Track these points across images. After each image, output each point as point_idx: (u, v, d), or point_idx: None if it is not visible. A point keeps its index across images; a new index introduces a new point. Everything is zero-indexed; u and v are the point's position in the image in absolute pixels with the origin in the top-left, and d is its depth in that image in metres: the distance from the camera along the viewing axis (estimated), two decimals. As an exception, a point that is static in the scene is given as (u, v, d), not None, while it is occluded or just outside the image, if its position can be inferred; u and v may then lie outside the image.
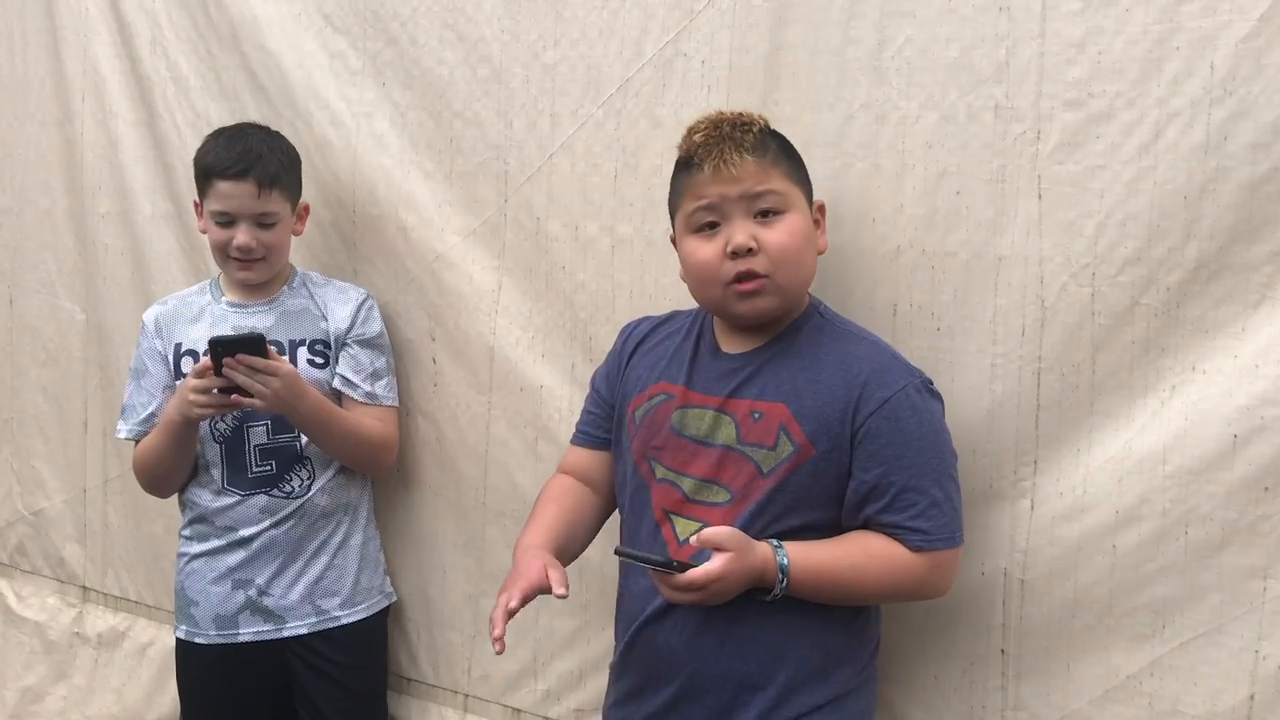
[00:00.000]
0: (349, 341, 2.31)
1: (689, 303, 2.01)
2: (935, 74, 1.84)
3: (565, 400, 2.23)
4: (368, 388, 2.31)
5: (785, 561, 1.68)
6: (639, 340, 1.93)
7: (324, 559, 2.33)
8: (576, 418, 2.16)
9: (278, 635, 2.32)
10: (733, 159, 1.70)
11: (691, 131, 1.78)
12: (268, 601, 2.31)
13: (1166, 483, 1.71)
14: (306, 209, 2.38)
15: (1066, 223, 1.76)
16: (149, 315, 2.38)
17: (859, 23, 1.90)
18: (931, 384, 1.76)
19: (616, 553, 1.64)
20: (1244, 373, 1.66)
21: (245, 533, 2.30)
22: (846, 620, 1.79)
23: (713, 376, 1.81)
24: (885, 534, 1.72)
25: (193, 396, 2.13)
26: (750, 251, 1.71)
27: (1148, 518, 1.72)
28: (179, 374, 2.30)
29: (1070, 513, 1.79)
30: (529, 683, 2.32)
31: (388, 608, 2.43)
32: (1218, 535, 1.68)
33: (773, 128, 1.79)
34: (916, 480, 1.70)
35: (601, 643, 2.21)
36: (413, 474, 2.43)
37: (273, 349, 2.16)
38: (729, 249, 1.72)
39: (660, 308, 2.05)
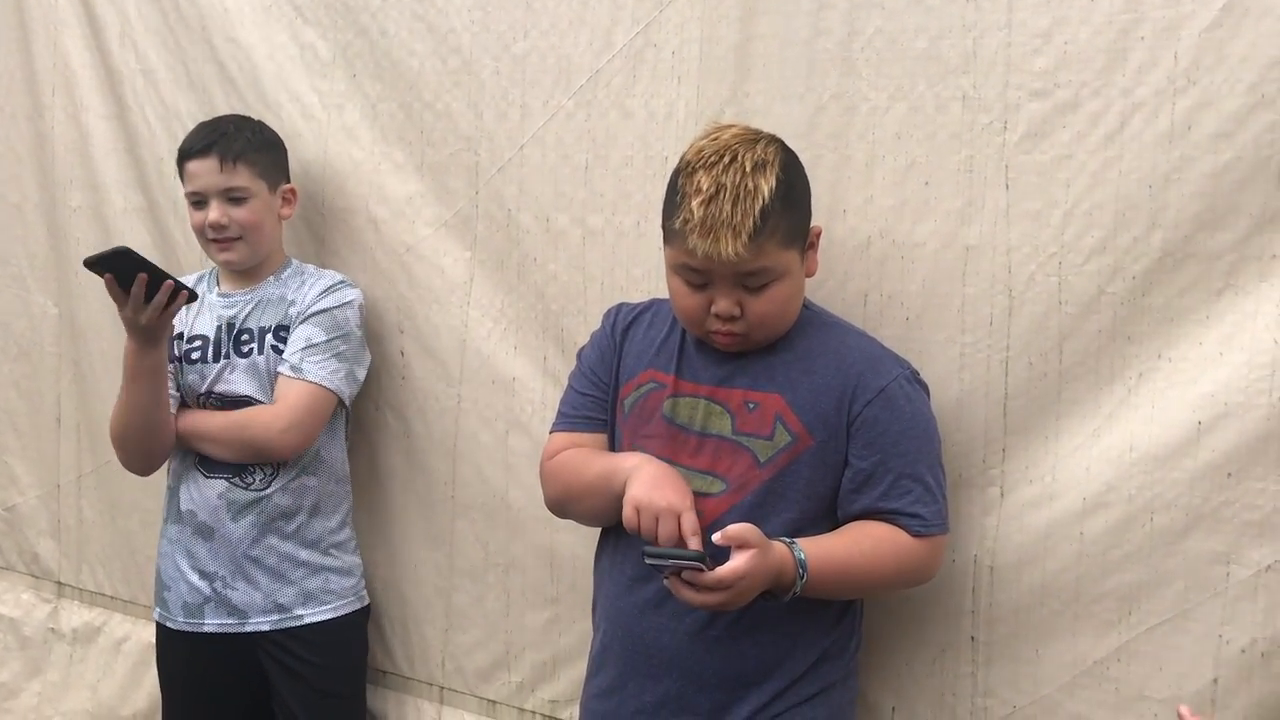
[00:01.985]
0: (296, 319, 2.28)
1: (663, 294, 1.99)
2: (904, 65, 1.85)
3: (538, 393, 2.23)
4: (296, 360, 2.25)
5: (803, 556, 1.66)
6: (626, 326, 1.91)
7: (283, 557, 2.30)
8: (549, 409, 2.16)
9: (241, 630, 2.31)
10: (727, 249, 1.64)
11: (691, 175, 1.67)
12: (232, 595, 2.30)
13: (1133, 470, 1.72)
14: (293, 192, 2.37)
15: (1034, 212, 1.77)
16: None
17: (829, 13, 1.91)
18: (919, 374, 1.78)
19: (646, 554, 1.59)
20: (1208, 360, 1.68)
21: (207, 520, 2.28)
22: (838, 615, 1.80)
23: (701, 365, 1.81)
24: (884, 521, 1.73)
25: (136, 318, 2.10)
26: (733, 317, 1.71)
27: (1114, 504, 1.73)
28: (171, 357, 2.29)
29: (1039, 500, 1.80)
30: (502, 674, 2.32)
31: (362, 611, 2.39)
32: (1182, 521, 1.69)
33: (781, 174, 1.67)
34: (912, 467, 1.72)
35: (574, 635, 2.21)
36: (382, 469, 2.42)
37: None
38: (713, 310, 1.72)
39: (632, 299, 2.04)
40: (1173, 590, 1.71)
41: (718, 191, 1.65)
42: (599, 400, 1.91)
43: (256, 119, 2.38)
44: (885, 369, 1.75)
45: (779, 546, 1.66)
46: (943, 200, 1.84)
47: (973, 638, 1.86)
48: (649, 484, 1.70)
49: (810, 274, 1.78)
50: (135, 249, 2.11)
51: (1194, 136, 1.66)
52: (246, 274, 2.34)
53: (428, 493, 2.36)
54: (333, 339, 2.26)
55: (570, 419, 1.94)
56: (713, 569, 1.58)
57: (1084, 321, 1.75)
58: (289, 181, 2.36)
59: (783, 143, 1.75)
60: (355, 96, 2.38)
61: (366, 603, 2.40)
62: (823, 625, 1.78)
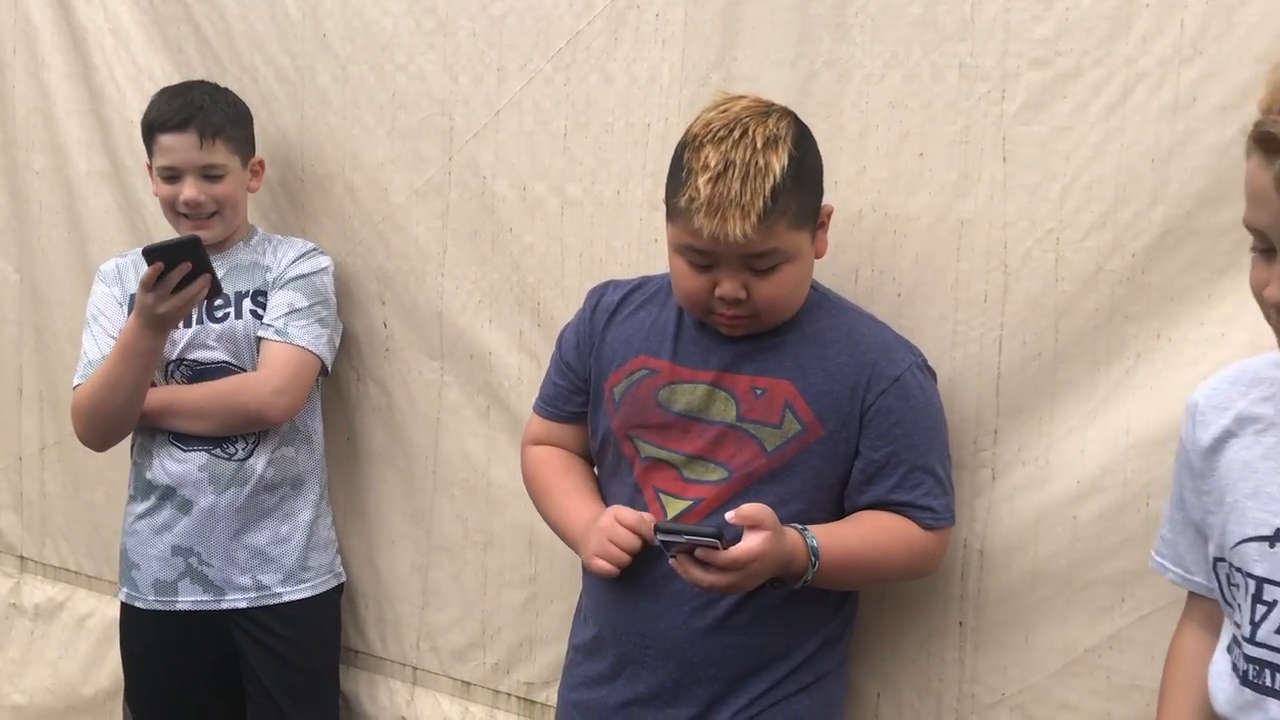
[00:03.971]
0: (273, 288, 2.24)
1: (644, 267, 1.98)
2: (899, 31, 1.79)
3: (514, 367, 2.17)
4: (280, 325, 2.21)
5: (815, 543, 1.61)
6: (611, 309, 1.83)
7: (266, 532, 2.26)
8: (525, 385, 2.14)
9: (216, 606, 2.26)
10: (735, 230, 1.56)
11: (698, 150, 1.59)
12: (208, 572, 2.24)
13: (1129, 453, 1.68)
14: (261, 165, 2.31)
15: (1031, 186, 1.72)
16: (107, 264, 2.34)
17: (820, -24, 1.84)
18: (927, 361, 1.73)
19: (658, 530, 1.54)
20: (1210, 340, 1.63)
21: (186, 495, 2.23)
22: (839, 601, 1.76)
23: (702, 350, 1.74)
24: (895, 512, 1.68)
25: (157, 305, 2.04)
26: (739, 301, 1.64)
27: (1109, 488, 1.69)
28: None
29: (1031, 483, 1.76)
30: (477, 655, 2.27)
31: (338, 588, 2.36)
32: None
33: (794, 151, 1.59)
34: (924, 459, 1.68)
35: (551, 616, 2.16)
36: (361, 442, 2.37)
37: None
38: (718, 293, 1.64)
39: (611, 272, 1.99)
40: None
41: (726, 168, 1.57)
42: (570, 391, 1.86)
43: (224, 87, 2.30)
44: (899, 357, 1.70)
45: (792, 533, 1.60)
46: (937, 172, 1.78)
47: (961, 623, 1.82)
48: (601, 538, 1.68)
49: (820, 255, 1.71)
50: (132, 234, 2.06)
51: (1199, 108, 1.61)
52: (214, 244, 2.26)
53: (409, 467, 2.31)
54: (314, 304, 2.23)
55: (544, 405, 1.90)
56: (727, 548, 1.52)
57: (1081, 299, 1.70)
58: (256, 153, 2.30)
59: (795, 116, 1.67)
60: (325, 58, 2.30)
61: (343, 579, 2.37)
62: (825, 611, 1.74)
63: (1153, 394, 1.67)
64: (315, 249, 2.29)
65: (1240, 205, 1.54)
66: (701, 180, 1.57)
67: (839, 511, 1.73)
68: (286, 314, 2.22)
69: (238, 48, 2.40)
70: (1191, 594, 1.50)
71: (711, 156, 1.57)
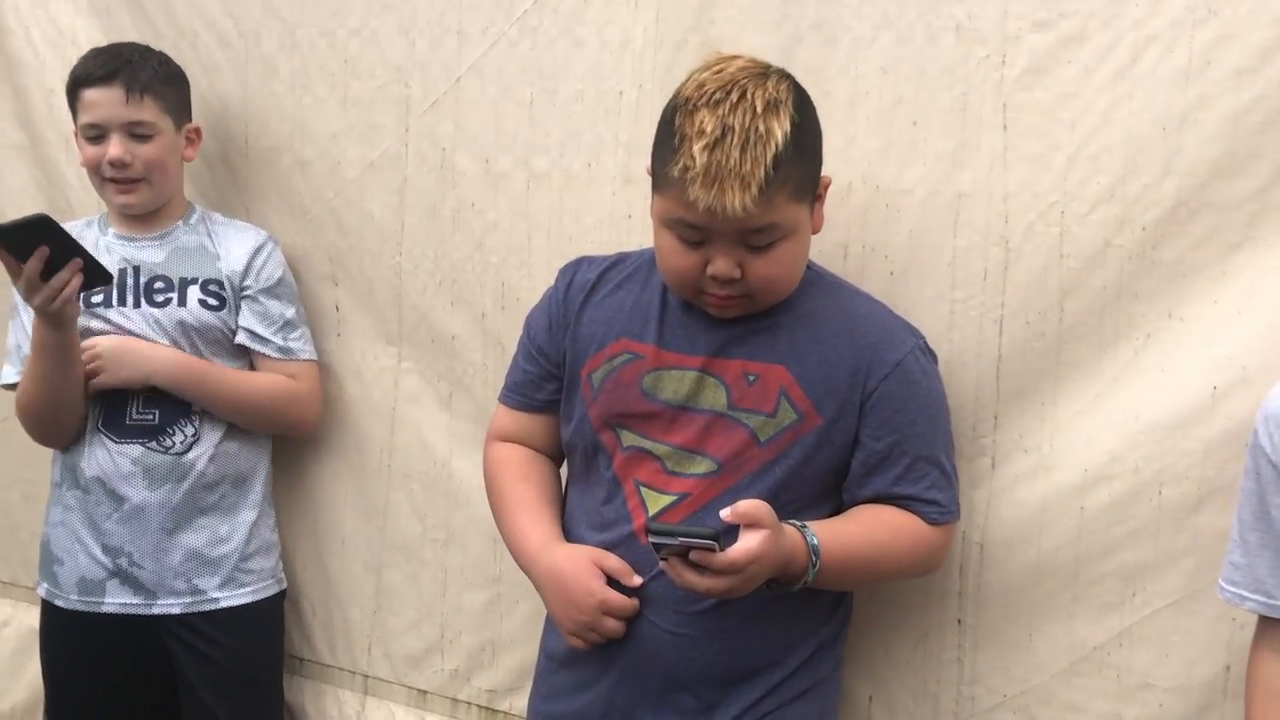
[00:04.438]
0: (251, 291, 2.12)
1: (617, 245, 1.87)
2: (891, -11, 1.70)
3: (477, 352, 2.05)
4: (280, 341, 2.13)
5: (816, 542, 1.50)
6: (586, 288, 1.70)
7: (204, 533, 2.12)
8: (491, 371, 2.03)
9: (148, 611, 2.10)
10: (734, 202, 1.44)
11: (691, 114, 1.47)
12: (139, 574, 2.09)
13: (1139, 439, 1.60)
14: (198, 132, 2.17)
15: (1034, 156, 1.64)
16: None
17: (806, -68, 1.74)
18: (929, 344, 1.64)
19: (650, 531, 1.42)
20: (1224, 320, 1.57)
21: (117, 489, 2.08)
22: (834, 602, 1.66)
23: (690, 333, 1.62)
24: (898, 506, 1.58)
25: (29, 298, 1.91)
26: (733, 280, 1.52)
27: (1118, 477, 1.62)
28: None
29: (1034, 472, 1.67)
30: (435, 661, 2.14)
31: (281, 594, 2.22)
32: (1194, 495, 1.58)
33: (796, 116, 1.48)
34: (929, 449, 1.58)
35: (516, 618, 2.05)
36: (310, 434, 2.23)
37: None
38: (709, 271, 1.52)
39: (582, 250, 1.88)
40: (1181, 570, 1.59)
41: (724, 134, 1.44)
42: (541, 378, 1.73)
43: (158, 50, 2.16)
44: (900, 340, 1.60)
45: (790, 530, 1.49)
46: (933, 142, 1.70)
47: (959, 621, 1.73)
48: (561, 607, 1.60)
49: (816, 230, 1.60)
50: (52, 215, 1.90)
51: (1213, 73, 1.54)
52: (145, 219, 2.14)
53: (361, 461, 2.19)
54: (298, 309, 2.16)
55: (511, 394, 1.78)
56: (725, 550, 1.41)
57: (1087, 277, 1.62)
58: (192, 120, 2.16)
59: (794, 79, 1.55)
60: (271, 22, 2.16)
61: (285, 585, 2.23)
62: (820, 613, 1.63)
63: (1164, 376, 1.59)
64: (269, 238, 2.17)
65: (1258, 175, 1.53)
66: (697, 147, 1.45)
67: (837, 505, 1.63)
68: (282, 327, 2.13)
69: (174, 10, 2.25)
70: (1267, 620, 1.41)
71: (707, 121, 1.45)
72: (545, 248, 1.97)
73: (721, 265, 1.51)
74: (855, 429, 1.58)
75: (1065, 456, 1.65)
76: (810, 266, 1.65)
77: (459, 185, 2.04)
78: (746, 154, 1.44)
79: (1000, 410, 1.69)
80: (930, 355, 1.63)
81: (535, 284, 1.94)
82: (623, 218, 1.91)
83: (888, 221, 1.73)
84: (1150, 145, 1.57)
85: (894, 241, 1.73)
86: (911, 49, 1.70)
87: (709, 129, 1.45)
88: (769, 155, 1.45)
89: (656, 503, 1.60)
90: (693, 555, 1.43)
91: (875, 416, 1.57)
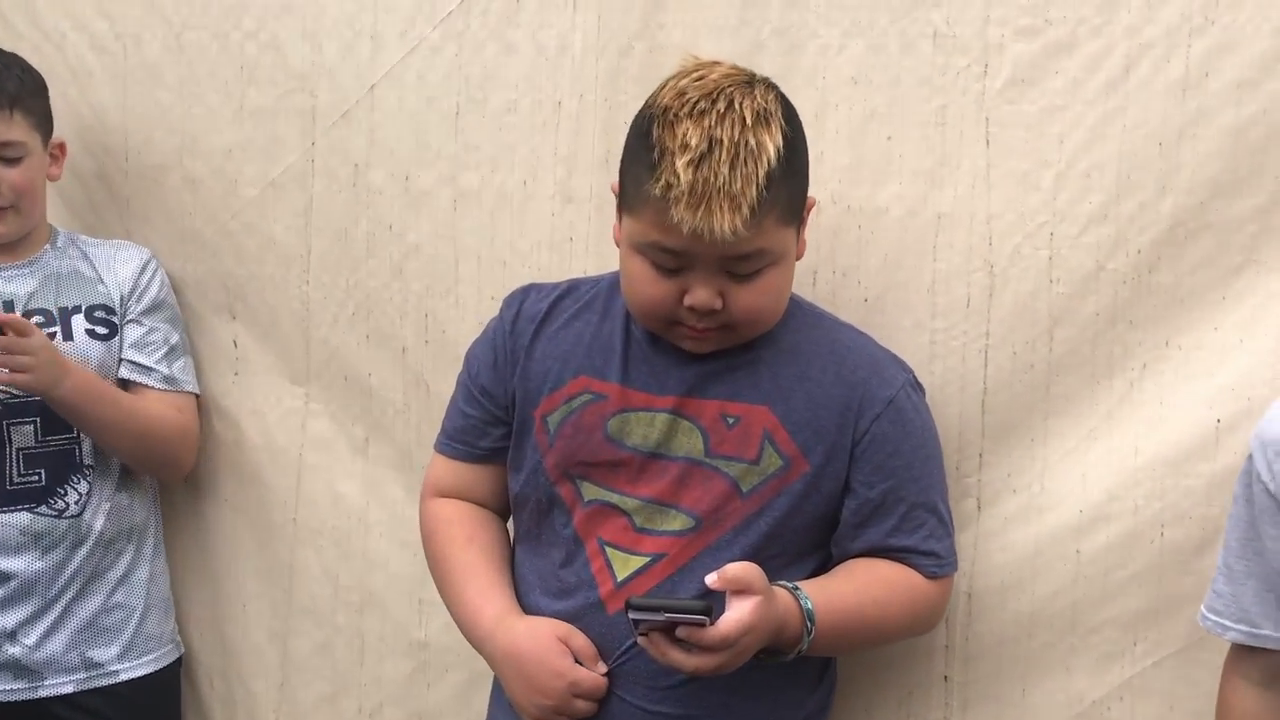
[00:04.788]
0: (133, 314, 1.92)
1: (556, 271, 1.72)
2: (862, -7, 1.60)
3: (397, 392, 1.87)
4: (165, 370, 1.92)
5: (810, 606, 1.36)
6: (536, 320, 1.53)
7: (98, 598, 1.89)
8: (413, 413, 1.86)
9: (32, 695, 1.86)
10: (723, 225, 1.29)
11: (672, 126, 1.33)
12: (17, 652, 1.84)
13: (1138, 476, 1.53)
14: (62, 148, 1.95)
15: (1020, 173, 1.56)
16: None
17: (767, -72, 1.63)
18: (917, 377, 1.52)
19: (630, 607, 1.27)
20: (1226, 348, 1.51)
21: (2, 565, 1.84)
22: (821, 668, 1.52)
23: (659, 370, 1.46)
24: (893, 560, 1.45)
25: None
26: (713, 311, 1.37)
27: (1117, 517, 1.54)
28: None
29: (1025, 514, 1.58)
30: (352, 738, 1.96)
31: (179, 661, 2.00)
32: (1198, 536, 1.50)
33: (787, 129, 1.36)
34: (925, 494, 1.46)
35: (445, 688, 1.87)
36: (204, 485, 2.03)
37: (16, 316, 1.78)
38: (687, 301, 1.37)
39: (518, 276, 1.72)
40: (1185, 616, 1.50)
41: (711, 148, 1.30)
42: (485, 422, 1.55)
43: (11, 52, 1.92)
44: (890, 375, 1.47)
45: (782, 594, 1.35)
46: (909, 159, 1.60)
47: (946, 677, 1.62)
48: (523, 691, 1.43)
49: (799, 256, 1.46)
50: None
51: (1212, 85, 1.48)
52: (7, 247, 1.90)
53: (263, 514, 1.98)
54: (181, 334, 1.96)
55: (450, 442, 1.59)
56: (715, 622, 1.26)
57: (1079, 303, 1.55)
58: (53, 133, 1.94)
59: (779, 88, 1.42)
60: (153, 22, 1.96)
61: (183, 649, 2.02)
62: (806, 683, 1.49)
63: (1163, 409, 1.52)
64: (152, 255, 1.96)
65: (1261, 193, 1.46)
66: (680, 163, 1.30)
67: (824, 558, 1.49)
68: (167, 354, 1.92)
69: (36, 8, 2.02)
70: (1243, 648, 1.34)
71: (692, 134, 1.31)
72: (474, 275, 1.81)
73: (702, 295, 1.36)
74: (845, 475, 1.44)
75: (1058, 496, 1.57)
76: (789, 296, 1.51)
77: (374, 205, 1.87)
78: (736, 171, 1.30)
79: (986, 448, 1.60)
80: (920, 390, 1.51)
81: (463, 315, 1.79)
82: (563, 241, 1.75)
83: (861, 244, 1.62)
84: (1145, 162, 1.51)
85: (868, 266, 1.62)
86: (885, 58, 1.60)
87: (694, 142, 1.30)
88: (761, 173, 1.31)
89: (625, 565, 1.44)
90: (680, 631, 1.27)
91: (867, 461, 1.44)
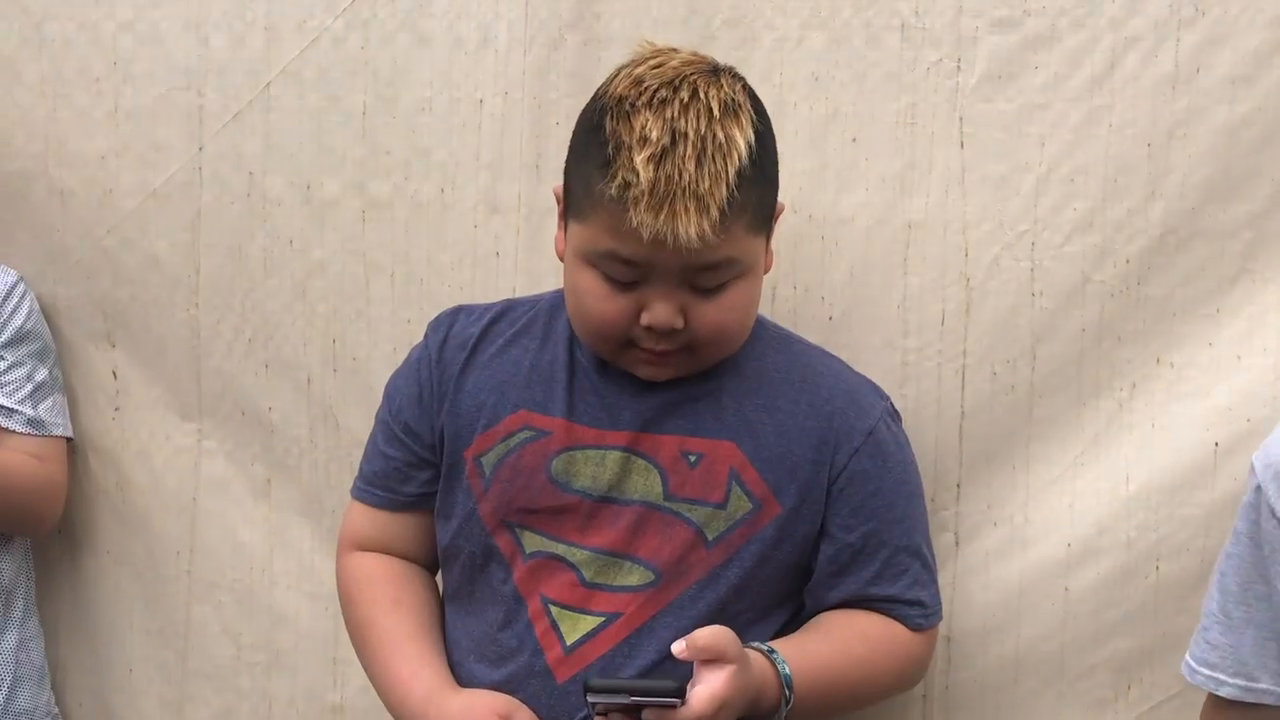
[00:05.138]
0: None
1: (482, 290, 1.58)
2: (822, -20, 1.49)
3: (302, 427, 1.70)
4: (30, 411, 1.71)
5: (789, 671, 1.22)
6: (467, 347, 1.36)
7: None
8: (320, 450, 1.69)
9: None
10: (688, 229, 1.16)
11: (629, 118, 1.19)
12: None
13: (1130, 506, 1.44)
14: None
15: (997, 178, 1.46)
16: None
17: (716, -92, 1.52)
18: (894, 405, 1.40)
19: (588, 689, 1.13)
20: (1222, 365, 1.42)
21: None
22: None
23: (610, 401, 1.30)
24: (874, 611, 1.32)
25: None
26: (674, 330, 1.23)
27: (1108, 551, 1.44)
28: None
29: (1007, 548, 1.48)
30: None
31: None
32: (1196, 570, 1.41)
33: (757, 124, 1.25)
34: (908, 537, 1.32)
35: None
36: (82, 536, 1.84)
37: None
38: (644, 320, 1.22)
39: (437, 296, 1.58)
40: (1183, 658, 1.35)
41: (674, 142, 1.16)
42: (408, 465, 1.38)
43: None
44: (867, 403, 1.33)
45: (757, 658, 1.21)
46: (876, 162, 1.49)
47: (925, 729, 1.52)
48: None
49: (766, 270, 1.33)
50: None
51: (1203, 81, 1.39)
52: None
53: (151, 568, 1.80)
54: (51, 368, 1.76)
55: (369, 488, 1.42)
56: (687, 699, 1.12)
57: (1063, 318, 1.45)
58: None
59: (745, 79, 1.29)
60: (10, 14, 1.77)
61: None
62: None
63: (1155, 433, 1.43)
64: (19, 278, 1.75)
65: (1257, 198, 1.37)
66: (640, 158, 1.16)
67: (795, 612, 1.35)
68: (33, 392, 1.71)
69: None
70: (1230, 702, 1.25)
71: (652, 126, 1.17)
72: (388, 294, 1.65)
73: (661, 312, 1.21)
74: (821, 517, 1.30)
75: (1043, 529, 1.47)
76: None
77: (272, 217, 1.70)
78: (704, 168, 1.16)
79: (964, 477, 1.49)
80: (897, 418, 1.39)
81: (375, 340, 1.63)
82: (488, 255, 1.60)
83: (824, 257, 1.51)
84: (1133, 164, 1.42)
85: (832, 280, 1.51)
86: (848, 51, 1.48)
87: (654, 135, 1.16)
88: (731, 170, 1.18)
89: (575, 627, 1.27)
90: (647, 714, 1.13)
91: (845, 501, 1.30)
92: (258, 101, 1.68)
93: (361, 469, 1.43)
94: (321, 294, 1.67)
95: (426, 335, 1.40)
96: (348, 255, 1.66)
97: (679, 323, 1.22)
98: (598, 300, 1.23)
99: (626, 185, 1.16)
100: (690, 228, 1.15)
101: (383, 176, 1.64)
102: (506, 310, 1.39)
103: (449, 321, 1.39)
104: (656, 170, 1.15)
